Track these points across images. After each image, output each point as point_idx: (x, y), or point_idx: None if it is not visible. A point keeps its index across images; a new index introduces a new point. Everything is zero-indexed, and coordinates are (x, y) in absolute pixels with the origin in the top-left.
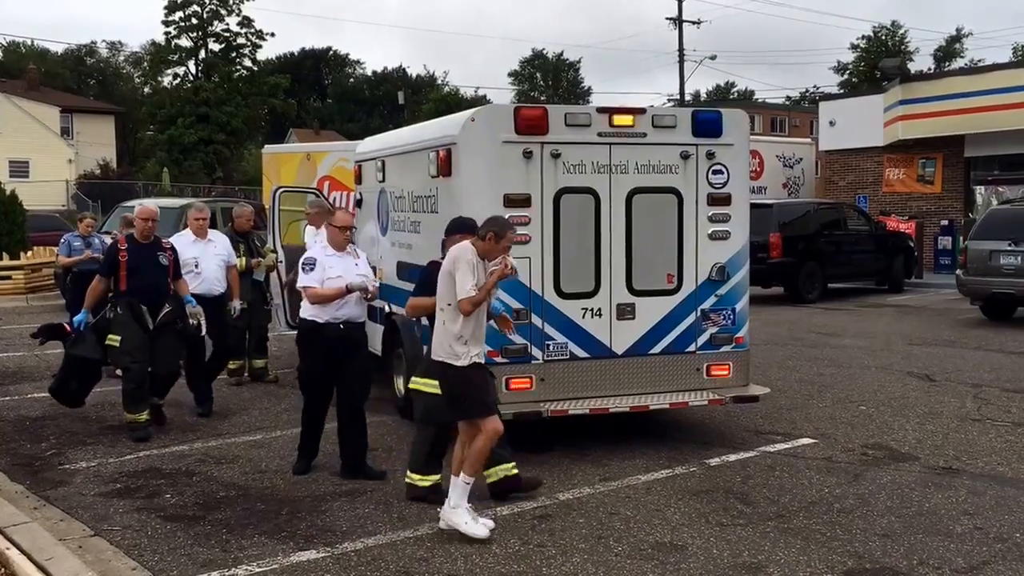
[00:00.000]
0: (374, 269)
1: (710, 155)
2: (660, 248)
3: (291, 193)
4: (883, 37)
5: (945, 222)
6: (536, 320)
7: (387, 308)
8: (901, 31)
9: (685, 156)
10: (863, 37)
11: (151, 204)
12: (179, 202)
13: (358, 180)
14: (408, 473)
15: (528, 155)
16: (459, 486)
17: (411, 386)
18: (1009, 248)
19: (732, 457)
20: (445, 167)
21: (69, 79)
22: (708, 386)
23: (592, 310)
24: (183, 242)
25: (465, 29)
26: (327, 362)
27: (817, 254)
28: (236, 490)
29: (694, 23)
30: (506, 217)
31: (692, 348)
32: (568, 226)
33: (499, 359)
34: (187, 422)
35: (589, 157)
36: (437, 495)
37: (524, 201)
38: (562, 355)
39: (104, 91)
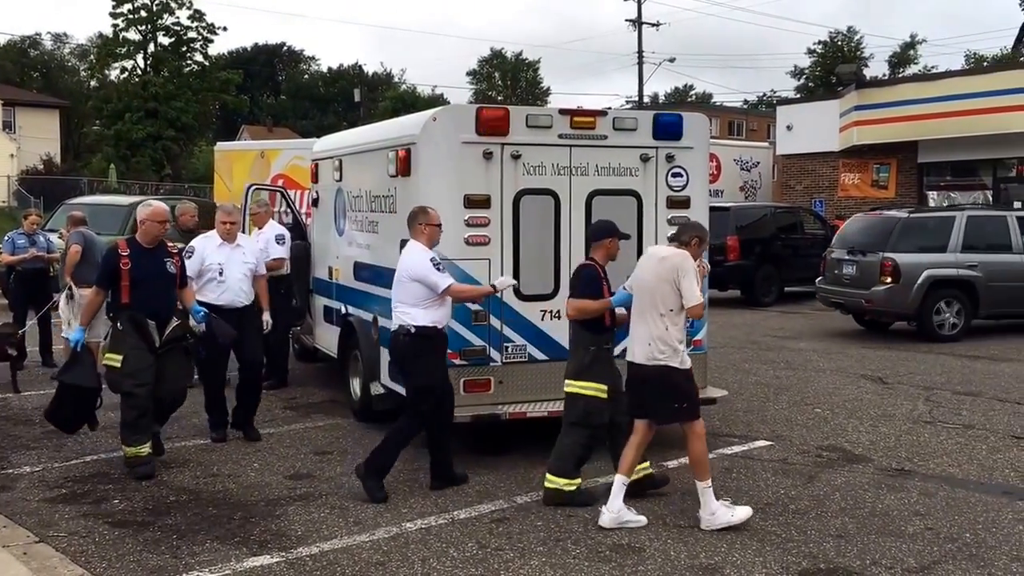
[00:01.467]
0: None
1: (670, 158)
2: (620, 251)
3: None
4: (839, 43)
5: None
6: (495, 322)
7: (344, 309)
8: (857, 37)
9: (645, 159)
10: (820, 42)
11: (158, 203)
12: (127, 200)
13: (314, 179)
14: (551, 477)
15: (488, 156)
16: (706, 492)
17: (568, 389)
18: (848, 258)
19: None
20: (404, 167)
21: (11, 71)
22: None
23: (551, 312)
24: (208, 246)
25: (423, 27)
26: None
27: (774, 258)
28: (187, 495)
29: (653, 25)
30: (465, 218)
31: None
32: (528, 228)
33: (457, 361)
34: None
35: (549, 159)
36: (582, 498)
37: (484, 202)
38: (521, 357)
39: (48, 84)
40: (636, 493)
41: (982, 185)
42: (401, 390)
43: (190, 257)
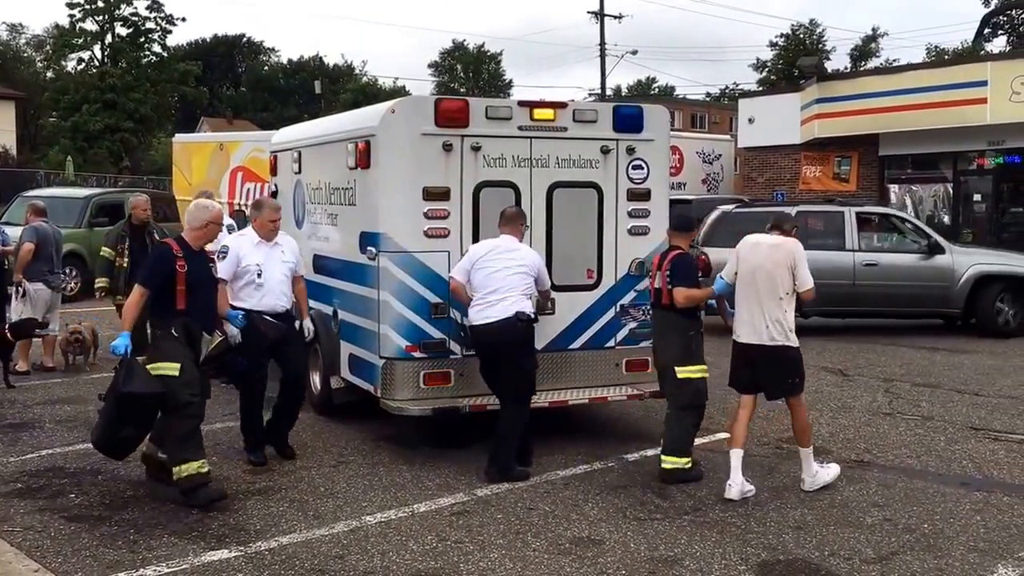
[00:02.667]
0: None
1: (630, 150)
2: (580, 243)
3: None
4: (801, 35)
5: None
6: (455, 314)
7: None
8: (819, 30)
9: (605, 151)
10: (782, 35)
11: (211, 202)
12: (84, 192)
13: (273, 171)
14: (670, 459)
15: (448, 148)
16: (808, 457)
17: (681, 375)
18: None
19: (650, 452)
20: (364, 159)
21: None
22: (627, 381)
23: None
24: (245, 244)
25: (384, 18)
26: None
27: None
28: (144, 489)
29: (616, 17)
30: (424, 210)
31: (611, 343)
32: (488, 220)
33: (417, 353)
34: (91, 419)
35: (510, 151)
36: (697, 472)
37: (443, 194)
38: None
39: (4, 75)
40: (671, 482)
41: (943, 178)
42: (362, 384)
43: (224, 257)
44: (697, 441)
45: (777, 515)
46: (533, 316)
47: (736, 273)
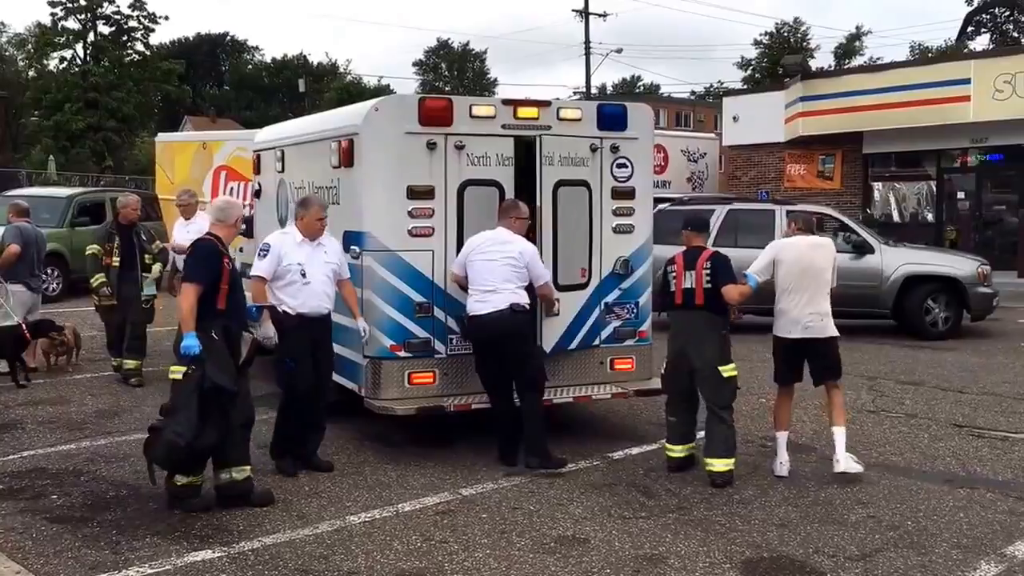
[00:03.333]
0: None
1: (615, 149)
2: (572, 242)
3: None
4: (786, 34)
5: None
6: (439, 313)
7: None
8: (803, 28)
9: (592, 149)
10: (766, 33)
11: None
12: (65, 192)
13: (256, 170)
14: (721, 460)
15: (432, 146)
16: (842, 435)
17: (726, 374)
18: None
19: (635, 450)
20: (347, 158)
21: None
22: (612, 380)
23: None
24: (287, 243)
25: (369, 17)
26: None
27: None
28: (127, 489)
29: (600, 16)
30: (408, 209)
31: (596, 342)
32: (472, 219)
33: (401, 353)
34: (73, 419)
35: (494, 149)
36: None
37: (427, 193)
38: (466, 349)
39: None
40: (682, 467)
41: (926, 176)
42: (346, 383)
43: (265, 256)
44: None
45: (762, 513)
46: (528, 307)
47: (775, 273)
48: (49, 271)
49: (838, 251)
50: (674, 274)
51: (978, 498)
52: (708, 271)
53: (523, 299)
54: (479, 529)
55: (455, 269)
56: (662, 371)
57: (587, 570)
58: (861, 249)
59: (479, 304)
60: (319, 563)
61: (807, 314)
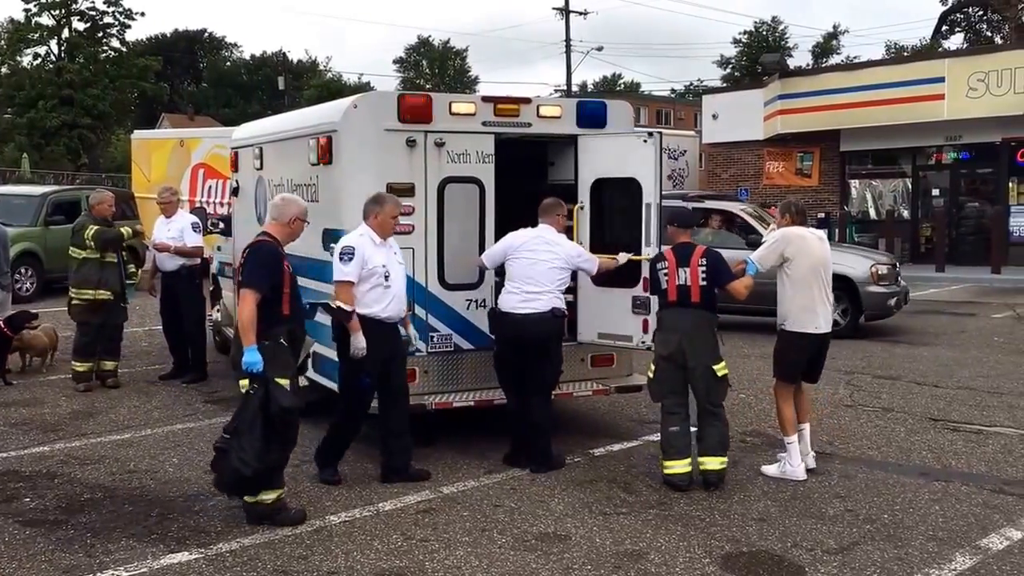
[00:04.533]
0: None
1: None
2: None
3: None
4: (764, 33)
5: (822, 215)
6: (420, 311)
7: None
8: (781, 27)
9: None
10: (745, 32)
11: (294, 196)
12: (39, 190)
13: (234, 167)
14: (717, 459)
15: (411, 143)
16: (808, 431)
17: (720, 373)
18: None
19: (616, 447)
20: (326, 155)
21: None
22: (593, 376)
23: (476, 301)
24: (367, 244)
25: (349, 13)
26: None
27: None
28: (102, 492)
29: (581, 14)
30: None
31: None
32: (452, 216)
33: None
34: (47, 421)
35: (474, 146)
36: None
37: (407, 190)
38: (446, 347)
39: None
40: (690, 483)
41: (902, 173)
42: (327, 382)
43: (351, 259)
44: (651, 437)
45: (741, 507)
46: (565, 312)
47: (788, 265)
48: (23, 271)
49: (740, 248)
50: (666, 271)
51: (953, 491)
52: (703, 268)
53: (563, 303)
54: (460, 527)
55: (486, 261)
56: (650, 374)
57: (568, 567)
58: (757, 248)
59: (522, 304)
60: (298, 563)
61: (827, 308)
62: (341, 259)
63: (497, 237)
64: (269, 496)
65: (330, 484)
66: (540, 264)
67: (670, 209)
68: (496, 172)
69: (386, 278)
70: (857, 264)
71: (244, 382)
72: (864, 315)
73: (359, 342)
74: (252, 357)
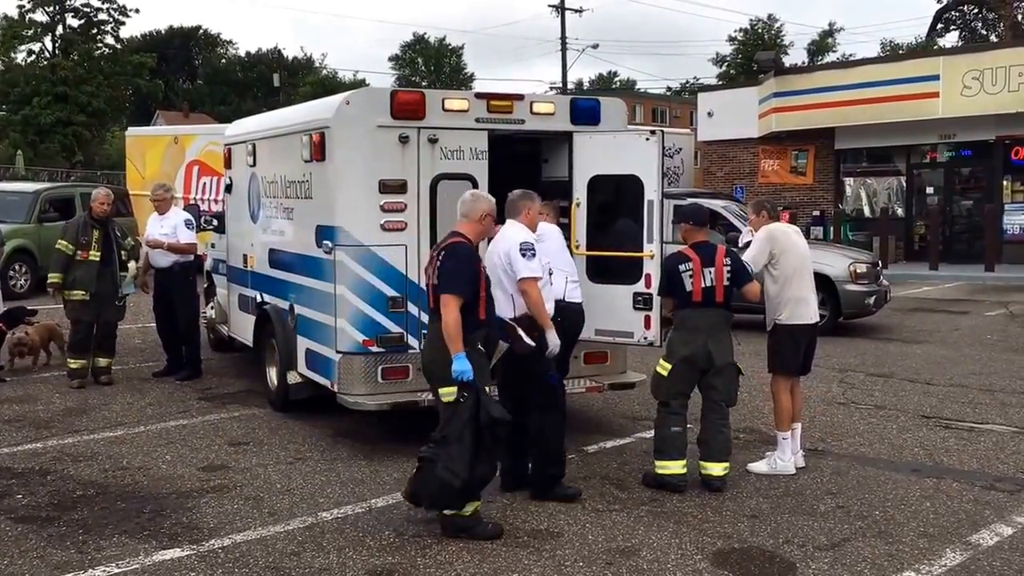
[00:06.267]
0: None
1: None
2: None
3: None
4: (760, 30)
5: (817, 213)
6: (412, 308)
7: (259, 297)
8: (777, 25)
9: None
10: (741, 30)
11: (482, 192)
12: (33, 187)
13: (227, 164)
14: (722, 464)
15: (404, 140)
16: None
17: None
18: None
19: (609, 444)
20: (318, 151)
21: None
22: (586, 373)
23: None
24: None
25: (344, 10)
26: None
27: None
28: (95, 489)
29: (577, 11)
30: (381, 203)
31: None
32: (445, 213)
33: (374, 348)
34: (40, 418)
35: (467, 143)
36: None
37: (400, 187)
38: None
39: None
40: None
41: (896, 171)
42: (319, 379)
43: (535, 254)
44: (645, 434)
45: (733, 504)
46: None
47: (775, 263)
48: (17, 267)
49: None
50: (690, 272)
51: (944, 488)
52: (728, 269)
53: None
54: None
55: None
56: (662, 372)
57: (560, 563)
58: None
59: (576, 291)
60: (290, 560)
61: (813, 299)
62: (524, 255)
63: None
64: (469, 508)
65: (573, 498)
66: (567, 254)
67: (684, 207)
68: (489, 169)
69: (550, 273)
70: (836, 262)
71: (449, 390)
72: (842, 314)
73: (554, 339)
74: (463, 365)
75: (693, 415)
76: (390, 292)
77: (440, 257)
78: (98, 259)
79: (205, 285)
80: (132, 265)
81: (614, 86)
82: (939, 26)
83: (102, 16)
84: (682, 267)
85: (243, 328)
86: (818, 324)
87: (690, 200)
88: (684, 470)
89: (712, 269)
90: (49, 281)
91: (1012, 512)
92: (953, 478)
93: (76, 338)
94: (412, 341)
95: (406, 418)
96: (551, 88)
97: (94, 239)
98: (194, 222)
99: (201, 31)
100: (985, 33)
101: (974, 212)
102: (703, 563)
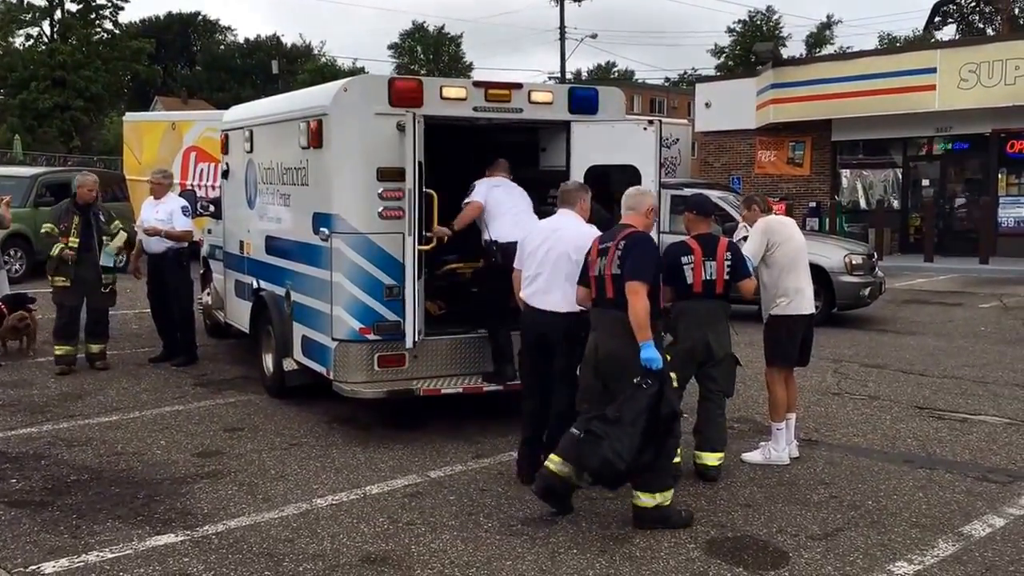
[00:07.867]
0: (242, 242)
1: None
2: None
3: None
4: (758, 22)
5: (813, 204)
6: (408, 296)
7: (255, 284)
8: (776, 16)
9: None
10: (739, 21)
11: (646, 187)
12: (29, 171)
13: (224, 150)
14: (716, 455)
15: (402, 128)
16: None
17: (733, 361)
18: None
19: None
20: (316, 138)
21: None
22: None
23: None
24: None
25: None
26: None
27: None
28: (89, 474)
29: (576, 1)
30: (378, 191)
31: None
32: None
33: (371, 336)
34: (35, 403)
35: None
36: None
37: (398, 175)
38: (434, 332)
39: None
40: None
41: (892, 163)
42: (315, 366)
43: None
44: None
45: (727, 493)
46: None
47: (773, 254)
48: (13, 252)
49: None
50: (691, 264)
51: (937, 478)
52: (729, 262)
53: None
54: (447, 511)
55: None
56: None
57: (553, 551)
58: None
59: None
60: (284, 546)
61: (810, 290)
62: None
63: None
64: (652, 500)
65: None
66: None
67: (688, 197)
68: (444, 156)
69: None
70: (831, 254)
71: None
72: (837, 305)
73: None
74: (651, 353)
75: (689, 405)
76: (387, 280)
77: (622, 247)
78: (76, 246)
79: (201, 271)
80: (119, 238)
81: (612, 76)
82: (936, 19)
83: (101, 1)
84: (684, 259)
85: (239, 315)
86: (814, 315)
87: (694, 191)
88: (678, 460)
89: (713, 262)
90: (61, 253)
91: (1004, 503)
92: (946, 469)
93: (59, 323)
94: (408, 329)
95: (401, 406)
96: (550, 77)
97: (73, 225)
98: (191, 208)
99: (200, 17)
100: (982, 27)
101: (969, 205)
102: (696, 551)
